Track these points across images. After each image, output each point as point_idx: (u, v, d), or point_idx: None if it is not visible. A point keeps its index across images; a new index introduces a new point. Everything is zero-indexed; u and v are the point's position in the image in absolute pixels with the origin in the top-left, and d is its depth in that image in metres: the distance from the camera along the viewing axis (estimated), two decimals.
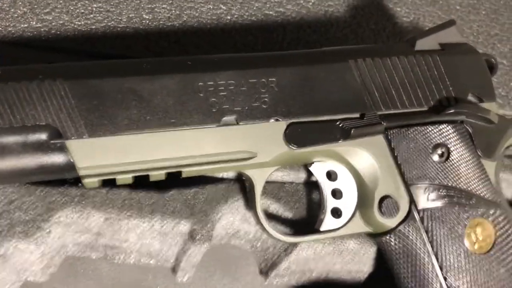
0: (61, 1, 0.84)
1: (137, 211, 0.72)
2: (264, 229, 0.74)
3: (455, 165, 0.74)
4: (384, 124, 0.73)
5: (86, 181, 0.65)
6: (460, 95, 0.76)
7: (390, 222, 0.73)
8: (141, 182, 0.70)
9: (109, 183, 0.68)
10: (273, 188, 0.81)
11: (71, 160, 0.64)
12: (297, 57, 0.73)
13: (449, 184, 0.73)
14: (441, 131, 0.74)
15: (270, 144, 0.70)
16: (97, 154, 0.64)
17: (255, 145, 0.69)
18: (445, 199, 0.73)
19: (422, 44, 0.77)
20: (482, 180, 0.75)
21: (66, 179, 0.69)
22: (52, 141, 0.63)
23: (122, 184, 0.70)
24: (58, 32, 0.83)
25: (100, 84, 0.65)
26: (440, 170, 0.73)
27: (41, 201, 0.70)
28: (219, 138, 0.68)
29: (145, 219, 0.72)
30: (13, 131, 0.62)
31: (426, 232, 0.73)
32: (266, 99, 0.70)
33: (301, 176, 0.83)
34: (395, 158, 0.73)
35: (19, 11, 0.82)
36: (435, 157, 0.74)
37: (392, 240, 0.74)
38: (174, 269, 0.79)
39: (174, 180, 0.74)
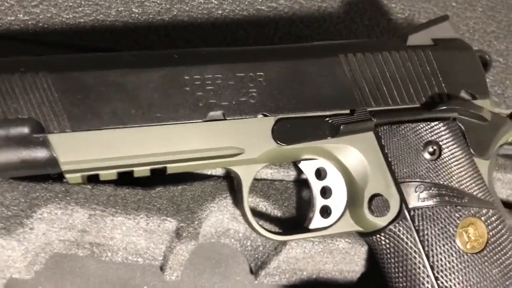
0: None
1: (122, 207, 0.71)
2: (251, 226, 0.72)
3: (447, 163, 0.72)
4: (375, 120, 0.71)
5: (68, 176, 0.64)
6: (452, 92, 0.75)
7: (381, 221, 0.71)
8: (129, 179, 0.69)
9: (95, 179, 0.67)
10: (263, 186, 0.79)
11: (54, 155, 0.62)
12: (286, 51, 0.72)
13: (441, 183, 0.72)
14: (433, 128, 0.73)
15: (257, 140, 0.68)
16: (80, 149, 0.63)
17: (242, 141, 0.68)
18: (437, 198, 0.71)
19: (414, 39, 0.76)
20: (475, 178, 0.73)
21: (49, 174, 0.68)
22: (34, 135, 0.62)
23: (108, 181, 0.69)
24: (46, 25, 0.82)
25: (84, 77, 0.63)
26: (432, 168, 0.72)
27: (24, 197, 0.69)
28: (205, 134, 0.66)
29: (130, 216, 0.71)
30: None
31: (417, 231, 0.71)
32: (254, 94, 0.68)
33: (291, 173, 0.81)
34: (385, 155, 0.72)
35: (6, 4, 0.81)
36: (426, 155, 0.72)
37: (383, 239, 0.72)
38: (162, 268, 0.78)
39: (163, 177, 0.73)
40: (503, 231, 0.73)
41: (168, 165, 0.66)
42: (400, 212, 0.71)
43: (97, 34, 0.84)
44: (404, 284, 0.72)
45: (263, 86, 0.69)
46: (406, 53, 0.74)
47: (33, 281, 0.77)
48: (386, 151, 0.72)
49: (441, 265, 0.71)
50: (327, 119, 0.70)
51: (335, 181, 0.74)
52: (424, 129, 0.72)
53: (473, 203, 0.72)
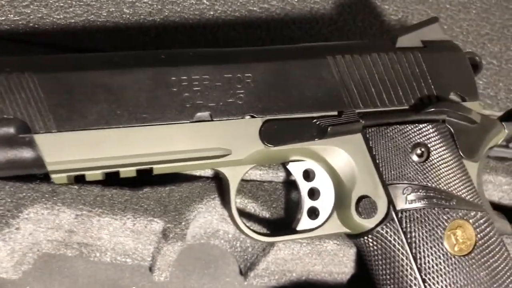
0: None
1: (109, 208, 0.71)
2: (238, 228, 0.72)
3: (435, 165, 0.72)
4: (362, 122, 0.71)
5: (54, 176, 0.64)
6: (441, 94, 0.74)
7: (368, 223, 0.71)
8: (118, 180, 0.68)
9: (82, 179, 0.67)
10: (251, 187, 0.79)
11: (39, 155, 0.62)
12: (274, 52, 0.72)
13: (429, 185, 0.72)
14: (421, 130, 0.72)
15: (245, 142, 0.68)
16: (66, 149, 0.63)
17: (229, 142, 0.68)
18: (425, 200, 0.71)
19: (404, 41, 0.75)
20: (464, 181, 0.73)
21: (36, 174, 0.68)
22: (20, 135, 0.62)
23: (96, 181, 0.69)
24: (36, 26, 0.82)
25: (70, 77, 0.63)
26: (420, 170, 0.72)
27: (10, 197, 0.69)
28: (192, 135, 0.66)
29: (117, 216, 0.71)
30: None
31: (405, 233, 0.71)
32: (241, 95, 0.68)
33: (280, 174, 0.81)
34: (373, 157, 0.71)
35: None
36: (414, 157, 0.72)
37: (370, 241, 0.72)
38: (151, 268, 0.78)
39: (152, 179, 0.73)
40: (491, 233, 0.73)
41: (154, 166, 0.66)
42: (387, 214, 0.71)
43: (88, 35, 0.84)
44: (392, 286, 0.72)
45: (250, 87, 0.69)
46: (395, 54, 0.74)
47: (21, 281, 0.77)
48: (374, 153, 0.72)
49: (429, 268, 0.70)
50: (314, 120, 0.70)
51: (323, 182, 0.74)
52: (412, 131, 0.72)
53: (461, 205, 0.72)
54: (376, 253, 0.72)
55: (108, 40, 0.84)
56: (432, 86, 0.74)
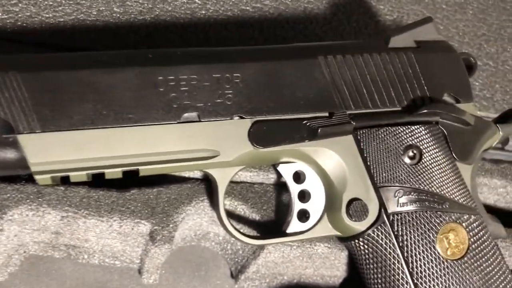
0: None
1: (95, 210, 0.70)
2: (227, 230, 0.71)
3: (428, 167, 0.71)
4: (354, 123, 0.70)
5: (38, 177, 0.63)
6: (435, 95, 0.73)
7: (359, 226, 0.70)
8: (106, 181, 0.67)
9: (68, 181, 0.66)
10: (241, 189, 0.78)
11: (23, 156, 0.61)
12: (264, 52, 0.71)
13: (421, 188, 0.70)
14: (413, 132, 0.71)
15: (233, 143, 0.67)
16: (50, 150, 0.61)
17: (217, 143, 0.66)
18: (417, 203, 0.70)
19: (397, 41, 0.74)
20: (457, 184, 0.72)
21: (20, 175, 0.67)
22: (3, 135, 0.61)
23: (83, 182, 0.68)
24: (25, 24, 0.81)
25: (55, 76, 0.62)
26: (412, 172, 0.71)
27: None
28: (179, 135, 0.65)
29: (103, 218, 0.70)
30: None
31: (396, 237, 0.70)
32: (230, 96, 0.67)
33: (271, 176, 0.80)
34: (364, 159, 0.70)
35: None
36: (406, 159, 0.71)
37: (361, 244, 0.71)
38: (140, 271, 0.77)
39: (140, 180, 0.72)
40: (484, 237, 0.72)
41: (140, 167, 0.65)
42: (379, 217, 0.70)
43: (78, 34, 0.82)
44: None
45: (239, 87, 0.67)
46: (388, 55, 0.73)
47: (7, 283, 0.76)
48: (365, 155, 0.70)
49: (421, 272, 0.69)
50: (305, 121, 0.69)
51: (314, 184, 0.72)
52: (404, 132, 0.71)
53: (454, 208, 0.71)
54: (367, 256, 0.71)
55: (98, 39, 0.83)
56: (425, 87, 0.73)
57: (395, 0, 0.98)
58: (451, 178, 0.72)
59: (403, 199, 0.70)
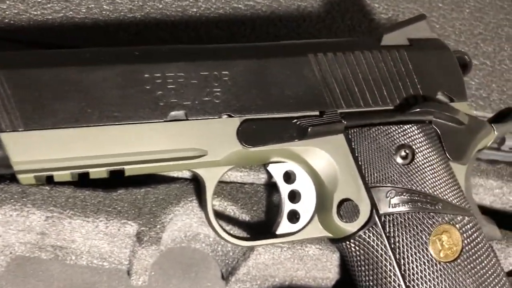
0: None
1: (81, 210, 0.69)
2: (215, 231, 0.70)
3: (420, 168, 0.70)
4: (345, 122, 0.68)
5: (20, 176, 0.61)
6: (428, 94, 0.72)
7: (350, 227, 0.69)
8: (92, 181, 0.66)
9: (53, 180, 0.64)
10: (231, 189, 0.77)
11: (6, 154, 0.60)
12: (253, 49, 0.69)
13: (414, 188, 0.69)
14: (406, 132, 0.70)
15: (221, 142, 0.66)
16: (33, 149, 0.60)
17: (205, 142, 0.65)
18: (409, 204, 0.69)
19: (389, 39, 0.73)
20: (450, 184, 0.71)
21: (3, 174, 0.65)
22: None
23: (70, 182, 0.67)
24: (12, 22, 0.79)
25: (38, 74, 0.61)
26: (404, 173, 0.69)
27: None
28: (166, 134, 0.64)
29: (89, 219, 0.69)
30: None
31: (388, 238, 0.68)
32: (218, 94, 0.66)
33: (262, 176, 0.79)
34: (355, 159, 0.69)
35: None
36: (398, 159, 0.70)
37: (353, 246, 0.70)
38: (129, 272, 0.76)
39: (128, 180, 0.71)
40: (478, 239, 0.70)
41: (126, 167, 0.64)
42: (370, 218, 0.68)
43: (67, 32, 0.81)
44: None
45: (228, 85, 0.66)
46: (380, 53, 0.71)
47: None
48: (356, 154, 0.69)
49: (413, 274, 0.68)
50: (295, 120, 0.68)
51: (304, 185, 0.71)
52: (397, 132, 0.70)
53: (447, 209, 0.70)
54: (358, 258, 0.70)
55: (88, 37, 0.82)
56: (418, 86, 0.72)
57: None
58: (444, 179, 0.70)
59: (395, 200, 0.69)
